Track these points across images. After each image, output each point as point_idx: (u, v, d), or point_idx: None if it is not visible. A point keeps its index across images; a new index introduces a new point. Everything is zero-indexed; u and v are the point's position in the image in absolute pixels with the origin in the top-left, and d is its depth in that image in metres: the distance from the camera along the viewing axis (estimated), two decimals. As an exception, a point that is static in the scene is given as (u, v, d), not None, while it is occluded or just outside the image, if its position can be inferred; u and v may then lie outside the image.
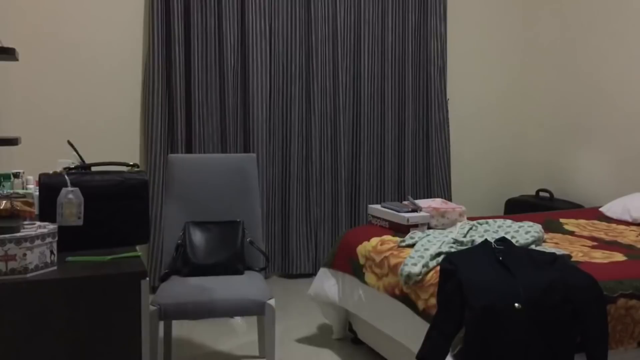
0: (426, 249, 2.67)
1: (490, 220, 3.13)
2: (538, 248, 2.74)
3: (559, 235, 3.20)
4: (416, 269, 2.55)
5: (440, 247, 2.67)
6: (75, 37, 3.93)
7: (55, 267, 1.78)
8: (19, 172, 2.57)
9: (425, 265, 2.57)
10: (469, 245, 2.70)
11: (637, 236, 3.21)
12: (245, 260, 2.90)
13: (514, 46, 5.14)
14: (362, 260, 2.98)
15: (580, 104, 4.68)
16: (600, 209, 3.87)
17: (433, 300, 2.41)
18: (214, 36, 4.16)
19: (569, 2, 4.76)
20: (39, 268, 1.73)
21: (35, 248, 1.71)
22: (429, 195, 4.81)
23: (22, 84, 3.83)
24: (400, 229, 3.07)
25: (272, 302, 2.58)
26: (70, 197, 1.94)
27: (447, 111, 4.86)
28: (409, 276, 2.56)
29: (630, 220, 3.57)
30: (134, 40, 4.07)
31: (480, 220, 3.14)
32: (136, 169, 2.17)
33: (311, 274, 4.35)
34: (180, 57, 4.07)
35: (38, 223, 1.85)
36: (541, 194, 4.79)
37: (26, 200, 2.00)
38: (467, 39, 5.01)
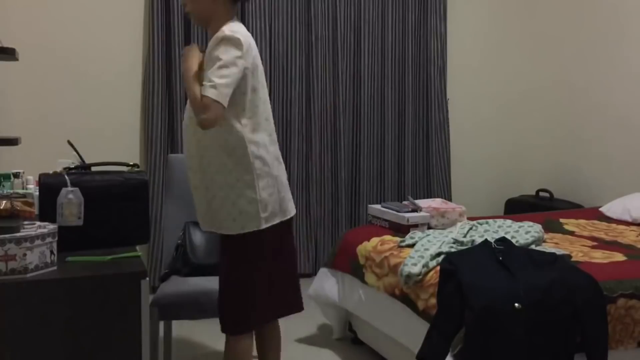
0: (426, 249, 2.67)
1: (490, 220, 3.13)
2: (538, 248, 2.75)
3: (559, 235, 3.19)
4: (416, 269, 2.55)
5: (440, 247, 2.67)
6: (76, 37, 3.93)
7: (55, 267, 1.78)
8: (19, 172, 2.57)
9: (425, 265, 2.57)
10: (469, 245, 2.70)
11: (637, 236, 3.21)
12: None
13: (514, 46, 5.13)
14: (362, 260, 2.98)
15: (580, 103, 4.68)
16: (600, 209, 3.87)
17: (433, 300, 2.41)
18: (214, 36, 4.16)
19: (570, 1, 4.76)
20: (39, 268, 1.73)
21: (35, 248, 1.71)
22: (429, 195, 4.81)
23: (22, 84, 3.83)
24: (400, 229, 3.07)
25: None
26: (70, 197, 1.94)
27: (447, 111, 4.86)
28: (409, 276, 2.56)
29: (630, 220, 3.57)
30: (134, 40, 4.07)
31: (480, 220, 3.14)
32: (136, 169, 2.17)
33: (311, 274, 4.35)
34: (180, 58, 4.07)
35: (38, 223, 1.85)
36: (541, 194, 4.79)
37: (26, 200, 2.00)
38: (467, 38, 5.00)
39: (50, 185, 1.96)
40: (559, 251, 2.66)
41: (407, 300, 2.60)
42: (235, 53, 2.05)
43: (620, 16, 4.32)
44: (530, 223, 3.02)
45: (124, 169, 2.16)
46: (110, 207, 2.02)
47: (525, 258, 2.43)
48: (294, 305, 2.44)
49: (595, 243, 3.02)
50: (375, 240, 3.00)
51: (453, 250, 2.66)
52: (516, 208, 4.72)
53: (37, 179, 2.08)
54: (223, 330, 2.26)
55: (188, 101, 2.14)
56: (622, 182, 4.25)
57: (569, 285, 2.28)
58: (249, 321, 2.24)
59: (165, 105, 4.10)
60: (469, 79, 5.04)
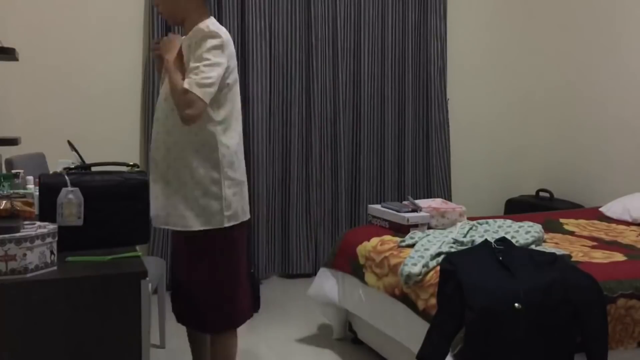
0: (426, 249, 2.67)
1: (490, 220, 3.13)
2: (538, 248, 2.75)
3: (559, 235, 3.20)
4: (416, 269, 2.55)
5: (440, 247, 2.67)
6: (76, 36, 3.93)
7: (55, 267, 1.78)
8: (19, 172, 2.57)
9: (425, 265, 2.57)
10: (469, 245, 2.70)
11: (637, 236, 3.21)
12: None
13: (514, 46, 5.13)
14: (362, 260, 2.98)
15: (580, 103, 4.68)
16: (600, 209, 3.87)
17: (433, 300, 2.41)
18: (214, 36, 4.16)
19: (569, 2, 4.76)
20: (39, 268, 1.72)
21: (35, 248, 1.71)
22: (429, 195, 4.81)
23: (22, 84, 3.83)
24: (400, 229, 3.07)
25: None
26: (70, 197, 1.94)
27: (447, 111, 4.86)
28: (409, 276, 2.56)
29: (630, 220, 3.57)
30: (134, 40, 4.07)
31: (480, 220, 3.14)
32: (136, 169, 2.16)
33: (311, 274, 4.35)
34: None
35: (38, 223, 1.85)
36: (541, 194, 4.79)
37: (26, 200, 2.00)
38: (467, 39, 5.00)
39: (50, 185, 1.96)
40: (559, 251, 2.66)
41: (407, 300, 2.60)
42: (220, 53, 2.11)
43: (620, 16, 4.32)
44: (530, 223, 3.02)
45: (124, 169, 2.16)
46: (110, 207, 2.02)
47: (525, 258, 2.43)
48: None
49: (595, 243, 3.02)
50: (375, 240, 3.00)
51: (453, 250, 2.66)
52: (516, 208, 4.72)
53: (37, 179, 2.08)
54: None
55: (160, 97, 2.20)
56: (622, 182, 4.26)
57: (569, 286, 2.28)
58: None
59: (165, 105, 4.10)
60: (469, 79, 5.04)
